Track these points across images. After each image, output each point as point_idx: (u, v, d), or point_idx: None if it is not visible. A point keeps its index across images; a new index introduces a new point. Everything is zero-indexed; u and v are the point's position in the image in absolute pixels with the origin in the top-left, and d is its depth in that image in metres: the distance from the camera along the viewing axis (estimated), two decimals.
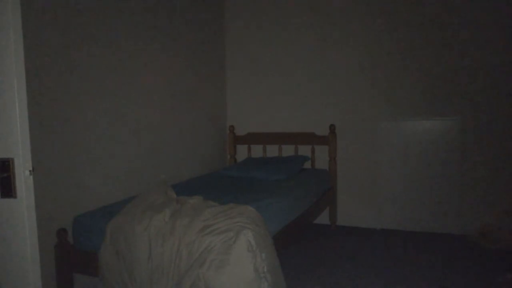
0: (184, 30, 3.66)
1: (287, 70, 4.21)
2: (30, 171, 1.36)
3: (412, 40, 3.74)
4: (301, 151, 4.15)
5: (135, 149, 3.01)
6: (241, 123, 4.41)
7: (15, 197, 1.33)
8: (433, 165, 3.72)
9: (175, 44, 3.52)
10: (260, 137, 4.27)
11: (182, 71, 3.65)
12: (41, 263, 1.44)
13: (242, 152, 4.38)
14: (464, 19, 3.57)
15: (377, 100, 3.90)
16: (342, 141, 4.01)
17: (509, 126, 3.51)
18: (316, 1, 4.05)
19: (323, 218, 3.94)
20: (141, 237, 2.01)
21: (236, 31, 4.40)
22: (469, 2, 3.55)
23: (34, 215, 1.38)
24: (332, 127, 3.92)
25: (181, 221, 2.02)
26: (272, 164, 3.69)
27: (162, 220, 2.05)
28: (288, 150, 4.19)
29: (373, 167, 3.94)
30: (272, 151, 4.27)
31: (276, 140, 4.19)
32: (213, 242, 1.89)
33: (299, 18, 4.12)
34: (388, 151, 3.87)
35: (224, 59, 4.45)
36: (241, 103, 4.44)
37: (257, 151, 4.33)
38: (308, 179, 3.54)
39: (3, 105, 1.33)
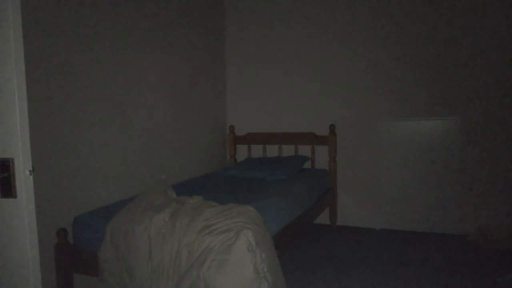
0: (184, 30, 3.66)
1: (287, 70, 4.21)
2: (30, 171, 1.36)
3: (412, 40, 3.74)
4: (301, 151, 4.15)
5: (135, 149, 3.01)
6: (241, 123, 4.41)
7: (15, 197, 1.33)
8: (433, 165, 3.72)
9: (175, 44, 3.52)
10: (260, 137, 4.27)
11: (182, 71, 3.65)
12: (41, 263, 1.44)
13: (242, 152, 4.38)
14: (464, 19, 3.57)
15: (377, 100, 3.90)
16: (342, 141, 4.01)
17: (509, 126, 3.50)
18: (317, 2, 4.05)
19: (323, 218, 3.94)
20: (141, 237, 2.01)
21: (236, 31, 4.40)
22: (469, 2, 3.55)
23: (34, 215, 1.38)
24: (332, 127, 3.92)
25: (181, 221, 2.02)
26: (272, 164, 3.69)
27: (162, 220, 2.05)
28: (288, 150, 4.19)
29: (373, 167, 3.94)
30: (272, 151, 4.27)
31: (276, 140, 4.19)
32: (213, 242, 1.89)
33: (299, 18, 4.12)
34: (388, 151, 3.87)
35: (224, 59, 4.45)
36: (241, 103, 4.44)
37: (257, 151, 4.33)
38: (308, 179, 3.54)
39: (3, 105, 1.33)
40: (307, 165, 4.10)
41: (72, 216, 2.35)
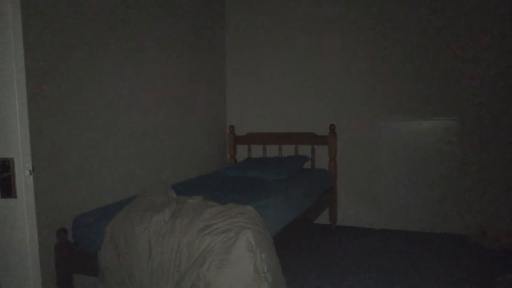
0: (184, 31, 3.66)
1: (287, 70, 4.21)
2: (30, 171, 1.36)
3: (411, 40, 3.74)
4: (301, 151, 4.15)
5: (135, 149, 3.01)
6: (241, 123, 4.41)
7: (15, 197, 1.33)
8: (433, 165, 3.72)
9: (175, 45, 3.52)
10: (260, 137, 4.27)
11: (182, 72, 3.65)
12: (41, 263, 1.44)
13: (242, 152, 4.38)
14: (464, 19, 3.57)
15: (377, 100, 3.90)
16: (342, 141, 4.01)
17: (509, 126, 3.51)
18: (316, 3, 4.05)
19: (323, 218, 3.94)
20: (141, 237, 2.01)
21: (236, 31, 4.40)
22: (469, 2, 3.55)
23: (34, 215, 1.38)
24: (332, 127, 3.92)
25: (181, 221, 2.02)
26: (272, 164, 3.69)
27: (162, 220, 2.05)
28: (288, 150, 4.19)
29: (373, 167, 3.94)
30: (272, 151, 4.27)
31: (276, 140, 4.19)
32: (213, 242, 1.89)
33: (299, 18, 4.12)
34: (388, 151, 3.87)
35: (224, 59, 4.45)
36: (241, 103, 4.44)
37: (257, 151, 4.33)
38: (308, 179, 3.54)
39: (3, 105, 1.33)
40: (307, 165, 4.10)
41: (72, 216, 2.35)
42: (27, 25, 1.96)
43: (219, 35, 4.35)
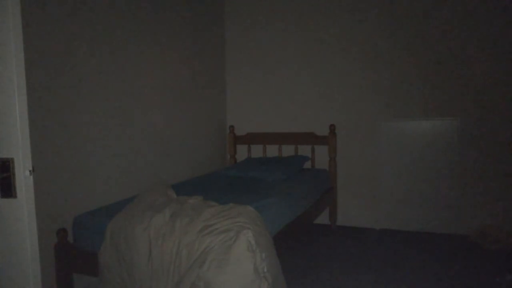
0: (184, 30, 3.66)
1: (287, 70, 4.21)
2: (30, 171, 1.36)
3: (411, 40, 3.74)
4: (301, 151, 4.15)
5: (135, 149, 3.01)
6: (241, 123, 4.41)
7: (15, 197, 1.33)
8: (433, 165, 3.72)
9: (175, 45, 3.52)
10: (260, 137, 4.27)
11: (182, 71, 3.65)
12: (41, 263, 1.44)
13: (242, 152, 4.38)
14: (464, 19, 3.57)
15: (377, 100, 3.90)
16: (342, 141, 4.01)
17: (509, 126, 3.51)
18: (316, 2, 4.05)
19: (323, 218, 3.94)
20: (141, 237, 2.01)
21: (236, 31, 4.40)
22: (469, 2, 3.55)
23: (34, 215, 1.38)
24: (332, 127, 3.92)
25: (181, 221, 2.02)
26: (272, 164, 3.69)
27: (162, 220, 2.05)
28: (288, 150, 4.19)
29: (373, 167, 3.94)
30: (272, 151, 4.27)
31: (276, 140, 4.19)
32: (213, 242, 1.89)
33: (299, 18, 4.13)
34: (388, 151, 3.87)
35: (224, 59, 4.45)
36: (241, 103, 4.44)
37: (257, 151, 4.33)
38: (308, 179, 3.54)
39: (3, 105, 1.33)
40: (307, 165, 4.10)
41: (72, 216, 2.36)
42: (27, 25, 1.96)
43: (219, 35, 4.35)
